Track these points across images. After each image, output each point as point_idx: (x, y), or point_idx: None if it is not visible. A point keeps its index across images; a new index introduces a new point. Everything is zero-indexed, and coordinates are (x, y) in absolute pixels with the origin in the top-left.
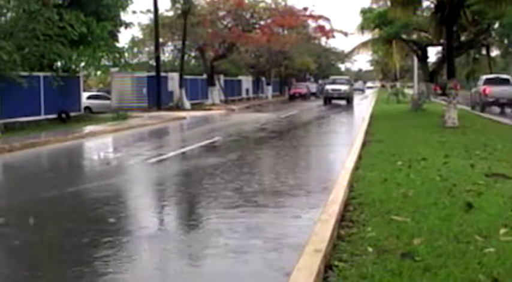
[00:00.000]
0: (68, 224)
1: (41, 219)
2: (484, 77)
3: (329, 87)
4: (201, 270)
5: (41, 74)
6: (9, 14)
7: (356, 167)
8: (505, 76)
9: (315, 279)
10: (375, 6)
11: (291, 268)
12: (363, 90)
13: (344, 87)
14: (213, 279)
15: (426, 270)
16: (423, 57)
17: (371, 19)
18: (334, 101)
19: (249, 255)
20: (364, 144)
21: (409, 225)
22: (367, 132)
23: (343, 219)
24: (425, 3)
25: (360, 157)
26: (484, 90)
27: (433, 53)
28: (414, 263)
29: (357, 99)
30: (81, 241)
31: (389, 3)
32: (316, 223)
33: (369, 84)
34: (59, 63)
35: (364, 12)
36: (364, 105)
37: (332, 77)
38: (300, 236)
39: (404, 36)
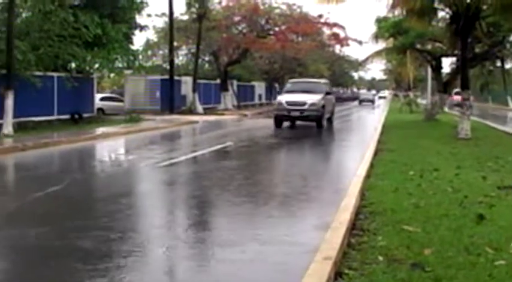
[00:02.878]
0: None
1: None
2: (455, 90)
3: (284, 98)
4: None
5: (55, 74)
6: (24, 14)
7: (368, 175)
8: None
9: None
10: (390, 15)
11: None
12: (372, 102)
13: (312, 99)
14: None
15: (436, 281)
16: (437, 68)
17: (386, 28)
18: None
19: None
20: (376, 153)
21: (420, 236)
22: (379, 141)
23: (354, 227)
24: (440, 14)
25: (371, 165)
26: (452, 98)
27: (447, 64)
28: (424, 274)
29: (365, 110)
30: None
31: (404, 13)
32: (327, 231)
33: (381, 94)
34: (73, 64)
35: (379, 21)
36: (376, 116)
37: (292, 80)
38: (306, 242)
39: (418, 46)
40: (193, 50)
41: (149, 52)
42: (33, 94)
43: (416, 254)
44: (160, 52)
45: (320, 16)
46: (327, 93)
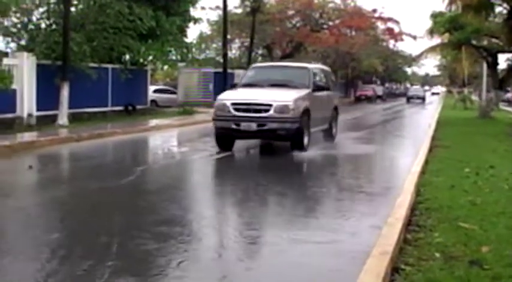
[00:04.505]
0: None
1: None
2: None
3: (232, 97)
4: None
5: (110, 66)
6: (79, 6)
7: (422, 172)
8: None
9: (382, 281)
10: (446, 10)
11: None
12: (423, 99)
13: (284, 99)
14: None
15: (495, 279)
16: (493, 64)
17: (441, 23)
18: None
19: None
20: (430, 150)
21: (477, 233)
22: (433, 138)
23: (410, 223)
24: (497, 9)
25: (426, 162)
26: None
27: (503, 60)
28: (482, 271)
29: (416, 107)
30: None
31: (461, 8)
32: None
33: (434, 90)
34: (127, 56)
35: (435, 16)
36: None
37: (256, 65)
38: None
39: (474, 42)
40: (246, 43)
41: (203, 45)
42: (88, 85)
43: (474, 251)
44: (214, 45)
45: (374, 10)
46: (318, 88)
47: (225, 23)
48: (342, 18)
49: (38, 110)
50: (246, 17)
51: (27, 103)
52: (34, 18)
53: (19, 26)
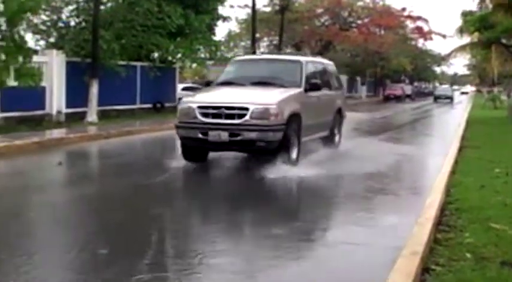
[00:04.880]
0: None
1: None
2: None
3: (200, 99)
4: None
5: (138, 63)
6: (109, 4)
7: (452, 172)
8: None
9: (413, 281)
10: (477, 8)
11: None
12: (451, 99)
13: (265, 100)
14: None
15: None
16: None
17: (472, 22)
18: None
19: None
20: (460, 150)
21: (508, 234)
22: (463, 138)
23: (439, 223)
24: None
25: (456, 162)
26: None
27: None
28: None
29: (445, 107)
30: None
31: (491, 7)
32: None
33: (463, 89)
34: (156, 54)
35: (465, 14)
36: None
37: (239, 59)
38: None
39: (504, 41)
40: (275, 42)
41: (231, 43)
42: (117, 83)
43: (505, 252)
44: (242, 43)
45: (403, 9)
46: (313, 87)
47: (254, 21)
48: (371, 16)
49: (67, 107)
50: (274, 16)
51: (56, 100)
52: (63, 16)
53: (49, 23)
